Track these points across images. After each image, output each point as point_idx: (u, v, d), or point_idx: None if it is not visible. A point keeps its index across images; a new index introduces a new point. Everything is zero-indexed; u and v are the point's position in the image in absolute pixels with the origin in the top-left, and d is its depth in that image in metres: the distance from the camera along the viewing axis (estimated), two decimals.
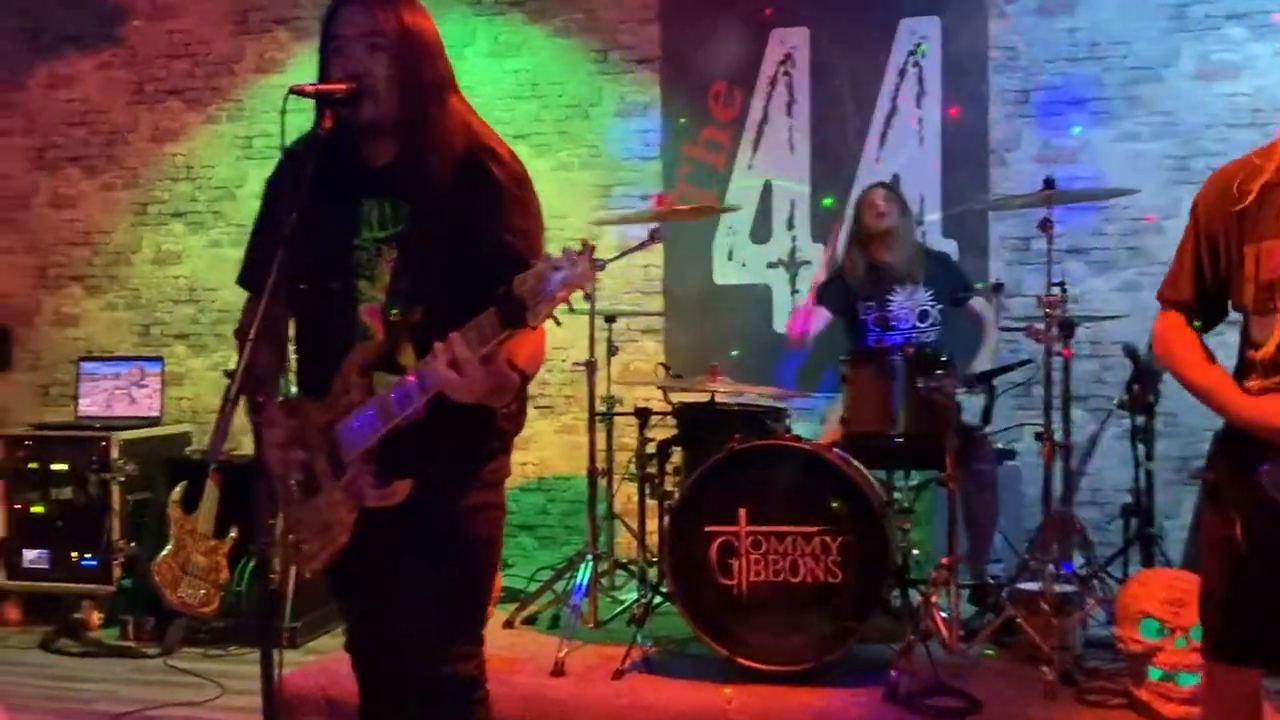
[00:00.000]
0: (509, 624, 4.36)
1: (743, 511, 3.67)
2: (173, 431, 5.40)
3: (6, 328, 6.31)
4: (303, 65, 5.92)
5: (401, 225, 2.11)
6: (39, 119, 6.35)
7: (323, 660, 3.98)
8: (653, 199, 5.51)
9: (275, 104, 6.00)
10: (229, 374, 2.01)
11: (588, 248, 1.76)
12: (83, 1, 6.27)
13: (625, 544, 5.00)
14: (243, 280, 2.26)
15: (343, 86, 2.06)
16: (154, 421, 5.32)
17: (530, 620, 4.42)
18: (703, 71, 5.53)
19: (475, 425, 2.10)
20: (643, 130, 5.66)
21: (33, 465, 5.00)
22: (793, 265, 5.45)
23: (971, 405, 4.32)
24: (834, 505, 3.61)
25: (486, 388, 1.90)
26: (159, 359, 5.51)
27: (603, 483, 4.52)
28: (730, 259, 5.56)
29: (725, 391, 4.24)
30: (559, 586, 4.53)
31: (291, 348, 2.24)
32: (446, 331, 1.87)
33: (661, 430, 4.49)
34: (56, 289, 6.34)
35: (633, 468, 4.50)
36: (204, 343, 6.17)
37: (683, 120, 5.57)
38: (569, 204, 5.59)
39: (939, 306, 4.47)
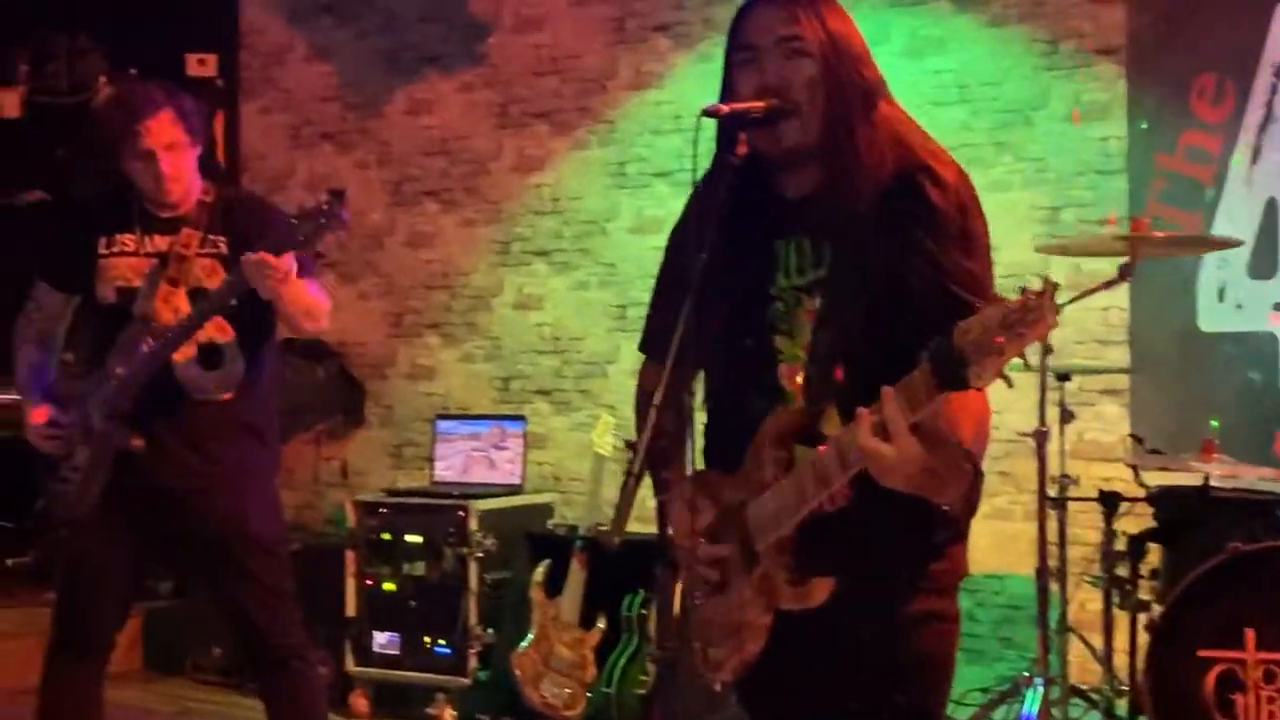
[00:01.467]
0: None
1: (1250, 633, 3.55)
2: (535, 502, 5.70)
3: (360, 382, 6.89)
4: (682, 80, 6.15)
5: (824, 269, 2.12)
6: (396, 148, 6.95)
7: None
8: (1110, 219, 5.31)
9: (651, 125, 6.29)
10: (630, 444, 2.09)
11: (1049, 286, 1.71)
12: (444, 16, 6.82)
13: (1081, 665, 4.81)
14: (642, 344, 2.34)
15: (761, 104, 2.09)
16: (515, 490, 5.62)
17: None
18: (1183, 62, 5.29)
19: (914, 510, 2.03)
20: (1102, 137, 5.46)
21: (385, 536, 5.38)
22: None
23: None
24: None
25: (921, 465, 1.85)
26: (521, 418, 5.86)
27: (1053, 586, 4.41)
28: (1221, 299, 5.26)
29: (1222, 474, 4.07)
30: (997, 715, 4.46)
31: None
32: (876, 395, 1.85)
33: (1133, 521, 4.33)
34: (412, 338, 6.87)
35: (1095, 569, 4.38)
36: (567, 399, 6.47)
37: (1144, 125, 5.35)
38: (1006, 231, 5.45)
39: None
